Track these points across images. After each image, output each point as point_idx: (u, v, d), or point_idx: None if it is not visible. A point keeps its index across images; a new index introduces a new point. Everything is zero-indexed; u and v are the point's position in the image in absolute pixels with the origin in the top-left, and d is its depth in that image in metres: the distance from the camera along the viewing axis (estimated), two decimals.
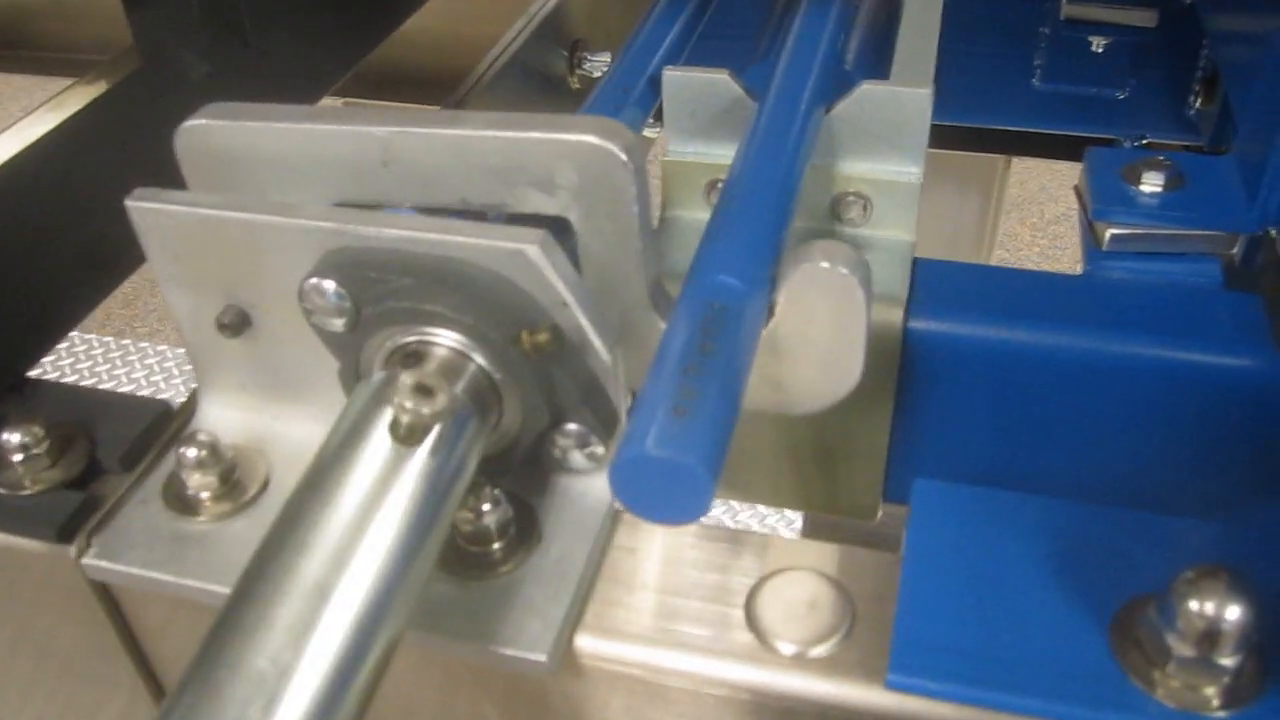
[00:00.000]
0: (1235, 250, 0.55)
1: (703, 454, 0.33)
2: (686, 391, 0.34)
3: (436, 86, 1.15)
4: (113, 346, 2.17)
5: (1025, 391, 0.52)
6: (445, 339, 0.38)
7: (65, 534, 0.43)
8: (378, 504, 0.33)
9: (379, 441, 0.34)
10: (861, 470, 0.56)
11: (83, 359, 2.15)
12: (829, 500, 0.58)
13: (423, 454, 0.34)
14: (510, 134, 0.39)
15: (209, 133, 0.42)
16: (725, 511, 1.86)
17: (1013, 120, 0.83)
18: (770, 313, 0.40)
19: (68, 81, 0.60)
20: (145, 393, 2.06)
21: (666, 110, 0.54)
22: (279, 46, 0.69)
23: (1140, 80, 0.81)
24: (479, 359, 0.38)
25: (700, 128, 0.55)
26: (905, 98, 0.51)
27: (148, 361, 2.16)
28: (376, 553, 0.32)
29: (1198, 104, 0.78)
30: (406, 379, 0.34)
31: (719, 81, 0.53)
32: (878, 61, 0.61)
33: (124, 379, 2.11)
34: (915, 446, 0.55)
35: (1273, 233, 0.53)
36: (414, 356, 0.37)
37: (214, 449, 0.42)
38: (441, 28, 1.01)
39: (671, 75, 0.53)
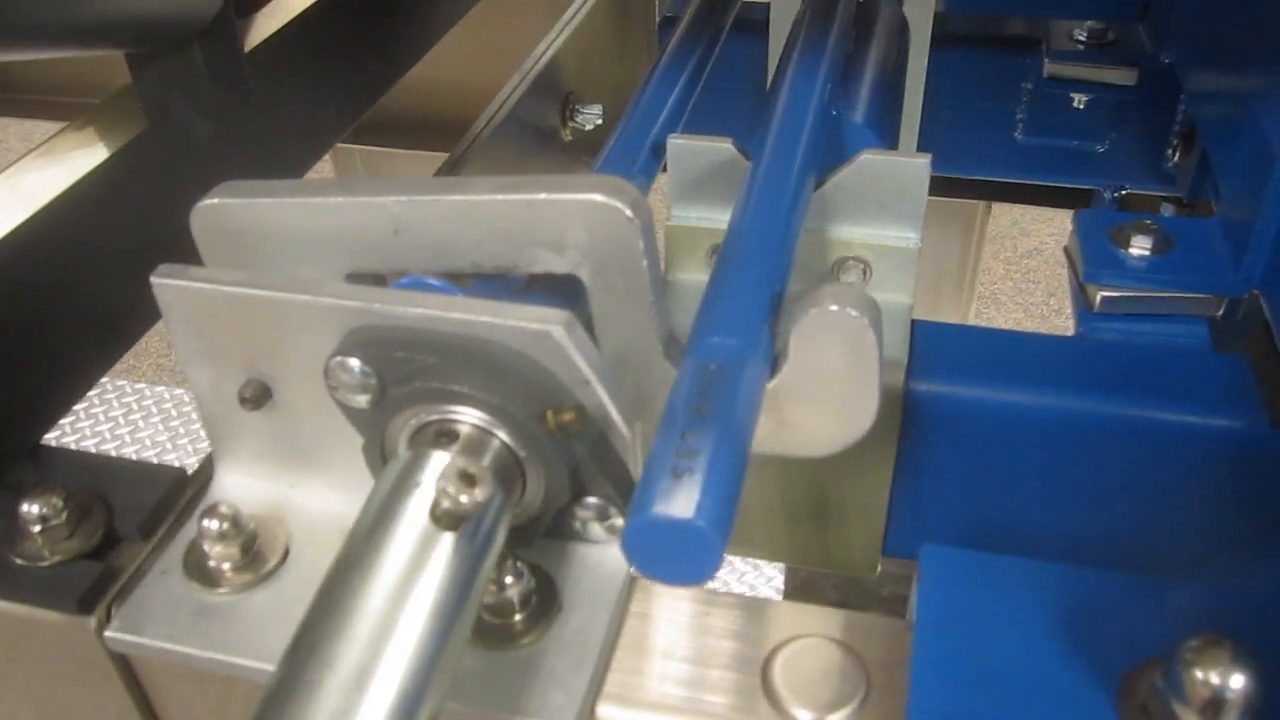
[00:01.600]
0: (1220, 311, 0.57)
1: (706, 511, 0.33)
2: (685, 454, 0.35)
3: (436, 131, 1.17)
4: None
5: (1022, 451, 0.54)
6: (470, 417, 0.39)
7: (86, 605, 0.43)
8: (413, 587, 0.34)
9: (412, 523, 0.35)
10: (861, 526, 0.57)
11: None
12: (827, 556, 0.59)
13: (457, 537, 0.35)
14: (517, 197, 0.40)
15: (222, 211, 0.43)
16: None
17: (995, 171, 0.85)
18: (783, 359, 0.41)
19: (46, 123, 0.61)
20: (123, 432, 2.05)
21: (670, 177, 0.56)
22: (283, 104, 0.70)
23: (1119, 134, 0.83)
24: (503, 436, 0.39)
25: (703, 193, 0.56)
26: (904, 167, 0.53)
27: (125, 400, 2.15)
28: (414, 636, 0.33)
29: (1175, 157, 0.81)
30: (452, 465, 0.34)
31: (721, 149, 0.55)
32: (880, 114, 0.62)
33: (101, 417, 2.10)
34: (915, 504, 0.56)
35: (1258, 295, 0.55)
36: (448, 437, 0.38)
37: (235, 520, 0.43)
38: (441, 75, 1.02)
39: (675, 143, 0.55)
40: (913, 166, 0.53)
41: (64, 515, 0.45)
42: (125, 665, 0.45)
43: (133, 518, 0.46)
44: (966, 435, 0.54)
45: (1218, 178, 0.62)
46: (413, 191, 0.41)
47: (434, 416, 0.39)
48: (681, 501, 0.33)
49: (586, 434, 0.39)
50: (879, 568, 0.59)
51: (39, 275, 0.53)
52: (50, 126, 0.66)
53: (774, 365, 0.41)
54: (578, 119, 0.85)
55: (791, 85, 0.57)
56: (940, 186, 0.92)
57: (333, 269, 0.43)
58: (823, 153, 0.54)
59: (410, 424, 0.40)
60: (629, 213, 0.39)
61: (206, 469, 0.48)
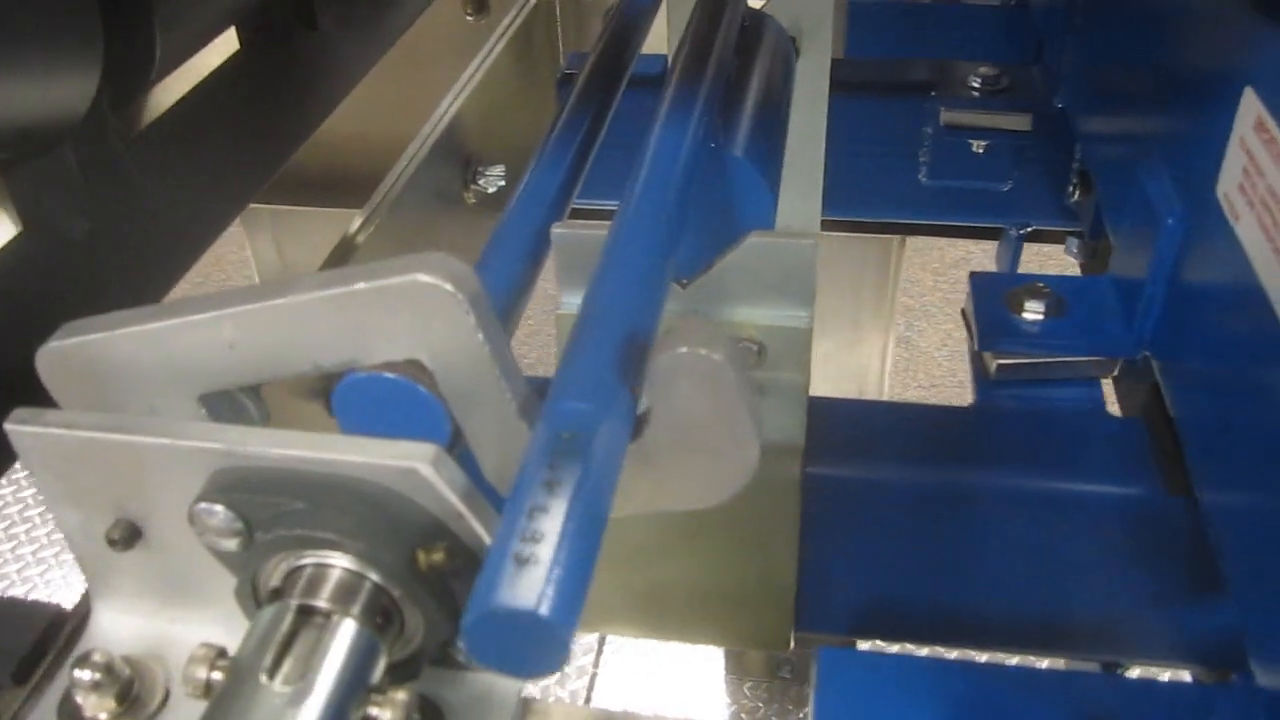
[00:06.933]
0: (1116, 372, 0.57)
1: (550, 600, 0.30)
2: (530, 537, 0.32)
3: (350, 188, 1.15)
4: None
5: (921, 524, 0.54)
6: (340, 561, 0.37)
7: None
8: None
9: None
10: (773, 605, 0.57)
11: None
12: (744, 634, 0.58)
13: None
14: (337, 291, 0.38)
15: (65, 354, 0.41)
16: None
17: (903, 213, 0.86)
18: (647, 415, 0.39)
19: None
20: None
21: (556, 265, 0.55)
22: (167, 192, 0.68)
23: (1021, 173, 0.84)
24: (375, 578, 0.38)
25: (590, 280, 0.55)
26: (792, 248, 0.52)
27: None
28: None
29: (1076, 195, 0.81)
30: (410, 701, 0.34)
31: (604, 236, 0.54)
32: (762, 146, 0.60)
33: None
34: (822, 580, 0.56)
35: (1150, 357, 0.55)
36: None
37: (110, 667, 0.41)
38: (353, 130, 1.00)
39: (557, 232, 0.54)
40: (800, 247, 0.52)
41: None
42: None
43: (7, 663, 0.45)
44: (867, 512, 0.54)
45: (1110, 231, 0.62)
46: (240, 302, 0.40)
47: (306, 560, 0.38)
48: (524, 591, 0.30)
49: (461, 569, 0.38)
50: (792, 642, 0.58)
51: None
52: None
53: (641, 422, 0.39)
54: (480, 182, 0.84)
55: (666, 119, 0.55)
56: (852, 225, 0.93)
57: (186, 393, 0.42)
58: (699, 190, 0.51)
59: (282, 566, 0.39)
60: (449, 287, 0.37)
61: (85, 604, 0.46)
